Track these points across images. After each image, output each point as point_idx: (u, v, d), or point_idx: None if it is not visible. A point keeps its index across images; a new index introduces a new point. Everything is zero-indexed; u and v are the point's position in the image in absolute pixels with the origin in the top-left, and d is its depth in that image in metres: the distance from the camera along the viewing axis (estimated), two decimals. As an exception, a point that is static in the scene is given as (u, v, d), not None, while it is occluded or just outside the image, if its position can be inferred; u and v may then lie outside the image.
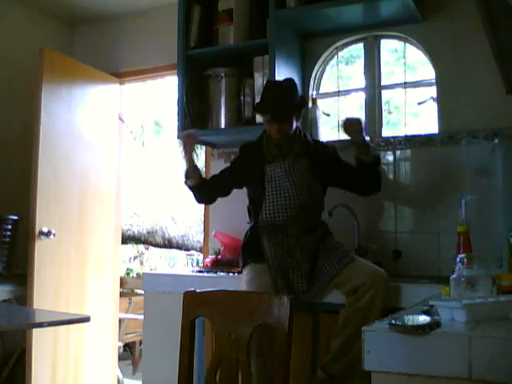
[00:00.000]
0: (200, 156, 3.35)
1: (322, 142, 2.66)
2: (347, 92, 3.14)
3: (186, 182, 2.51)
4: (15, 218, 3.37)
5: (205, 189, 2.55)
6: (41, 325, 2.20)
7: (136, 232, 6.69)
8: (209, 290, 1.85)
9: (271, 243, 2.33)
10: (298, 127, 2.45)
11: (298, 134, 2.44)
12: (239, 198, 2.57)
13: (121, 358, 4.31)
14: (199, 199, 2.61)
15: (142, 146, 7.18)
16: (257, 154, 2.43)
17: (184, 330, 1.79)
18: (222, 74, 2.94)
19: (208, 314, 1.81)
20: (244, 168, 2.49)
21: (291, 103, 2.39)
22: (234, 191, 2.56)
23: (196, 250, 6.83)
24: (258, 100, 2.89)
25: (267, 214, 2.36)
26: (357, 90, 3.09)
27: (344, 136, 3.03)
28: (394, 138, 2.86)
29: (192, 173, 2.48)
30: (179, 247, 6.92)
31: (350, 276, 2.18)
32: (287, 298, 1.65)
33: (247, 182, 2.49)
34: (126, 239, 6.38)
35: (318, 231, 2.39)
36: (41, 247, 3.23)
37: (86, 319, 2.05)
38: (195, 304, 1.81)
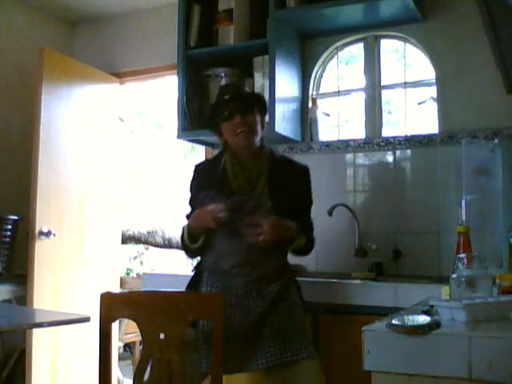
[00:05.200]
0: (199, 157, 3.33)
1: (292, 163, 2.16)
2: (347, 92, 3.14)
3: (187, 247, 2.06)
4: (15, 218, 3.37)
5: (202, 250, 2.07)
6: (41, 325, 2.21)
7: (136, 232, 6.68)
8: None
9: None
10: (262, 142, 2.09)
11: (265, 151, 2.08)
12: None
13: (121, 358, 4.31)
14: (196, 256, 2.16)
15: (142, 145, 7.17)
16: (213, 179, 2.03)
17: (103, 331, 1.77)
18: (222, 74, 2.94)
19: (131, 315, 1.79)
20: (196, 197, 2.07)
21: (249, 93, 2.17)
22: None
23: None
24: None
25: (206, 258, 2.05)
26: (357, 90, 3.08)
27: (344, 136, 3.06)
28: (393, 138, 2.86)
29: (201, 233, 2.00)
30: (179, 247, 6.92)
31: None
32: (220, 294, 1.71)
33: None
34: (126, 239, 6.37)
35: (279, 281, 1.96)
36: (41, 247, 3.23)
37: (85, 319, 2.06)
38: (114, 305, 1.79)
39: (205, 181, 2.08)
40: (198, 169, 2.17)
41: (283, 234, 1.95)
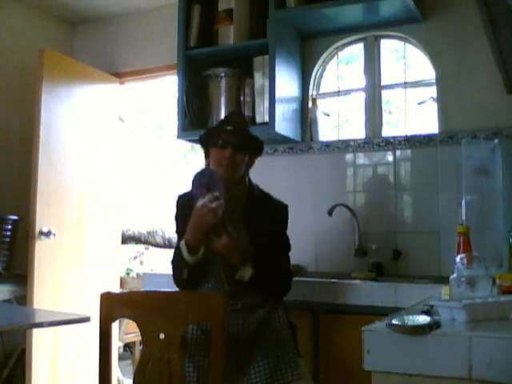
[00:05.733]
0: (199, 157, 3.30)
1: (271, 200, 2.11)
2: (347, 92, 3.14)
3: (187, 264, 1.93)
4: (15, 218, 3.37)
5: (201, 266, 1.96)
6: (41, 325, 2.20)
7: (136, 232, 6.69)
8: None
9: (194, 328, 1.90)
10: (246, 176, 2.08)
11: (244, 183, 2.07)
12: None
13: (121, 358, 4.31)
14: (191, 282, 1.99)
15: (142, 145, 7.18)
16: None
17: (103, 331, 1.76)
18: (222, 74, 2.94)
19: (131, 315, 1.79)
20: (183, 226, 1.99)
21: (250, 133, 2.08)
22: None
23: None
24: (257, 101, 2.90)
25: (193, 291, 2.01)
26: (357, 90, 3.08)
27: (344, 136, 3.06)
28: (393, 138, 2.86)
29: (201, 242, 1.92)
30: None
31: None
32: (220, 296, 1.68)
33: None
34: (126, 239, 6.37)
35: (265, 307, 1.94)
36: (41, 247, 3.23)
37: (85, 319, 2.05)
38: (114, 305, 1.78)
39: (184, 219, 2.00)
40: (180, 201, 2.13)
41: (230, 257, 1.90)
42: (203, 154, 2.14)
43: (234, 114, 2.32)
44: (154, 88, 5.88)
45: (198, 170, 1.99)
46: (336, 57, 3.12)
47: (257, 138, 2.11)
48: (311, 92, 3.11)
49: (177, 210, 2.13)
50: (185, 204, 2.08)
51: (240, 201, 2.03)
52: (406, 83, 2.96)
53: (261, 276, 1.92)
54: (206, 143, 2.08)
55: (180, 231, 2.07)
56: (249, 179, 2.12)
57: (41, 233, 3.23)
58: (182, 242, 1.94)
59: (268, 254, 1.97)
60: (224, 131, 2.02)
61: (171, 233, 6.86)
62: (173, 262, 2.03)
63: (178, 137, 3.02)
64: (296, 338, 1.99)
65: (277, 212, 2.09)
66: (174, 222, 2.14)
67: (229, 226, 1.89)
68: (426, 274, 2.59)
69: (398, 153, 2.84)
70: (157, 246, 6.95)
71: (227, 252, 1.89)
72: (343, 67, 3.23)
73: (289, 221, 2.12)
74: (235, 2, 2.91)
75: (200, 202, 1.88)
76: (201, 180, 1.94)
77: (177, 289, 2.04)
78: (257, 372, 1.81)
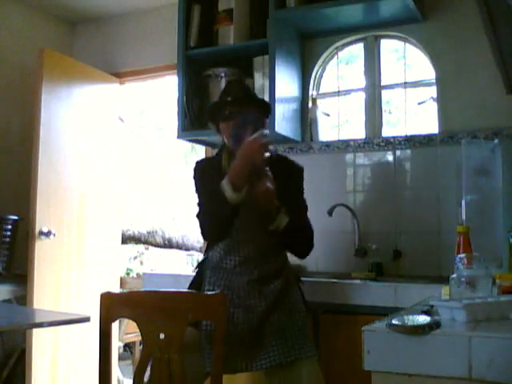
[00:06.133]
0: (199, 157, 3.31)
1: (288, 161, 2.16)
2: (347, 92, 3.14)
3: (222, 202, 1.84)
4: (15, 218, 3.37)
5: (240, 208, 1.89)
6: (41, 325, 2.21)
7: (136, 232, 6.69)
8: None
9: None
10: None
11: None
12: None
13: (121, 358, 4.31)
14: (224, 229, 1.94)
15: (142, 145, 7.18)
16: (215, 174, 1.96)
17: (103, 331, 1.76)
18: (222, 74, 2.94)
19: (131, 315, 1.79)
20: (206, 183, 2.00)
21: (254, 94, 2.13)
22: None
23: (196, 250, 6.83)
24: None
25: (212, 254, 2.03)
26: (357, 90, 3.08)
27: (344, 136, 3.06)
28: (393, 138, 2.86)
29: (245, 181, 1.84)
30: (179, 247, 6.92)
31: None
32: (220, 294, 1.71)
33: None
34: (126, 239, 6.38)
35: (280, 279, 1.96)
36: (41, 247, 3.23)
37: (85, 319, 2.06)
38: (114, 305, 1.78)
39: (207, 177, 2.03)
40: (200, 165, 2.12)
41: (268, 203, 1.89)
42: (216, 132, 2.12)
43: (231, 82, 2.30)
44: (154, 88, 5.89)
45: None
46: (336, 57, 3.12)
47: (261, 98, 2.13)
48: (311, 92, 3.11)
49: (195, 172, 2.10)
50: (202, 168, 2.08)
51: None
52: (405, 83, 2.96)
53: (295, 225, 1.95)
54: (215, 120, 2.07)
55: (200, 189, 2.04)
56: None
57: (41, 233, 3.23)
58: (225, 181, 1.84)
59: (292, 211, 1.96)
60: (226, 103, 2.02)
61: (171, 233, 6.86)
62: (199, 216, 1.99)
63: (178, 137, 3.01)
64: (309, 315, 2.02)
65: (294, 173, 2.12)
66: (193, 182, 2.09)
67: (268, 172, 1.87)
68: (426, 274, 2.59)
69: (398, 153, 2.84)
70: (157, 245, 6.95)
71: (266, 197, 1.86)
72: (343, 67, 3.23)
73: None
74: (235, 2, 2.91)
75: (249, 138, 1.83)
76: (245, 122, 1.92)
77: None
78: (273, 346, 1.83)
